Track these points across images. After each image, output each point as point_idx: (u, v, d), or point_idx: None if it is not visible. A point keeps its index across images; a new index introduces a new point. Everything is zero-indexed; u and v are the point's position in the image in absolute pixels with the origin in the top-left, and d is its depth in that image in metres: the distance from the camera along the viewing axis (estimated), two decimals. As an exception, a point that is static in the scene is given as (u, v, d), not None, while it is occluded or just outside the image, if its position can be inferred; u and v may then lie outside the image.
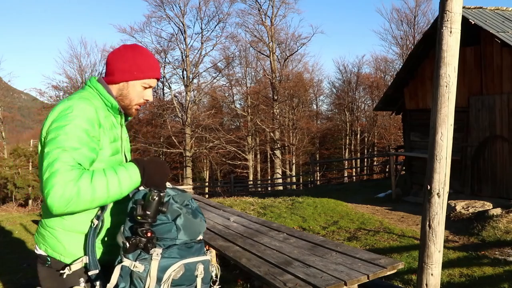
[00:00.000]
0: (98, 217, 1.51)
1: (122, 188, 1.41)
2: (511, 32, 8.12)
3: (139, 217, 1.34)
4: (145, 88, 1.65)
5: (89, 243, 1.50)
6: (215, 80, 28.87)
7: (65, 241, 1.52)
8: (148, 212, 1.34)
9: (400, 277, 4.48)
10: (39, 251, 1.58)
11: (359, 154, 30.50)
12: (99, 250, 1.55)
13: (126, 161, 1.71)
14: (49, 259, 1.54)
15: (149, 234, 1.35)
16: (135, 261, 1.35)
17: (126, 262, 1.36)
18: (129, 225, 1.41)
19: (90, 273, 1.49)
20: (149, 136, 27.86)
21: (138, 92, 1.64)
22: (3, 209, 16.33)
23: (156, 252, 1.35)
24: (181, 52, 26.55)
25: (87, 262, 1.49)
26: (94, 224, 1.51)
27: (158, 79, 1.68)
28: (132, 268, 1.35)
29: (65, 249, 1.52)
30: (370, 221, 7.51)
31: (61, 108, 1.46)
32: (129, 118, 1.77)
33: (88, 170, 1.39)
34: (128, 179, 1.42)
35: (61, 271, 1.50)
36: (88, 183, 1.32)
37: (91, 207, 1.38)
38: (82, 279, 1.52)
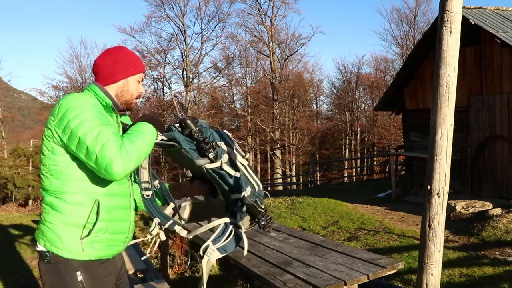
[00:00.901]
0: (147, 189, 1.75)
1: (150, 135, 1.62)
2: (511, 32, 8.12)
3: (197, 134, 1.71)
4: (139, 82, 1.84)
5: (152, 206, 1.73)
6: (215, 80, 28.89)
7: (64, 235, 1.57)
8: (197, 128, 1.73)
9: (400, 277, 4.48)
10: (39, 247, 1.62)
11: (359, 154, 30.49)
12: (93, 245, 1.61)
13: None
14: (48, 254, 1.59)
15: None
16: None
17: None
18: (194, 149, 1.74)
19: (167, 226, 1.73)
20: (149, 136, 27.76)
21: (135, 86, 1.82)
22: (3, 209, 16.33)
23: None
24: (181, 52, 26.55)
25: (159, 221, 1.73)
26: (149, 196, 1.75)
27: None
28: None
29: (63, 243, 1.57)
30: (370, 221, 7.51)
31: (69, 100, 1.57)
32: (127, 117, 1.86)
33: (122, 135, 1.59)
34: (147, 127, 1.64)
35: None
36: (132, 143, 1.52)
37: (141, 160, 1.57)
38: (79, 272, 1.59)
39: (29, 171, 20.17)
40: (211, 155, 1.72)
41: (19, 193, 19.33)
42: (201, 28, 26.90)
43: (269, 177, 26.98)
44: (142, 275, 3.89)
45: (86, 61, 29.70)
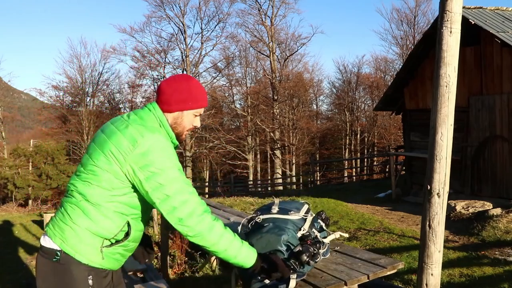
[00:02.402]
0: None
1: (237, 256, 1.65)
2: (511, 32, 8.12)
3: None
4: (195, 116, 1.78)
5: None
6: (215, 80, 28.90)
7: (86, 241, 1.58)
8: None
9: (400, 277, 4.48)
10: (51, 244, 1.59)
11: (359, 154, 30.49)
12: (109, 256, 1.65)
13: None
14: (59, 253, 1.57)
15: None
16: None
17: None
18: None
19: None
20: (149, 136, 27.76)
21: (190, 120, 1.77)
22: (3, 209, 16.33)
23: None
24: (181, 52, 26.56)
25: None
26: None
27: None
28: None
29: (83, 248, 1.58)
30: (370, 221, 7.51)
31: (154, 144, 1.58)
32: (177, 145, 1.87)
33: (223, 224, 1.65)
34: (246, 256, 1.67)
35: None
36: (221, 230, 1.61)
37: (210, 248, 1.61)
38: (90, 277, 1.59)
39: (29, 171, 20.18)
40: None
41: (19, 193, 19.33)
42: (201, 28, 26.96)
43: (269, 177, 26.99)
44: (142, 275, 3.88)
45: (86, 61, 29.89)
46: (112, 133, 1.60)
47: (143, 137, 1.56)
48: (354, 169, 22.99)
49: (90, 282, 1.59)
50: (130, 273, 3.77)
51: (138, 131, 1.58)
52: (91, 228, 1.57)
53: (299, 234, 2.03)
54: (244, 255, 1.65)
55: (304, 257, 1.85)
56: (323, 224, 2.29)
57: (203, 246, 1.59)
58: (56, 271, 1.57)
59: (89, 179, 1.58)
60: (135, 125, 1.60)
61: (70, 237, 1.57)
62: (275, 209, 2.20)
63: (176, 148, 1.82)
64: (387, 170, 15.94)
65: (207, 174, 31.21)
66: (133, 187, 1.60)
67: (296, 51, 29.40)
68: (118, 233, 1.62)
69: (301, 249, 1.88)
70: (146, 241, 1.94)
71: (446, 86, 1.64)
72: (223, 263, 4.58)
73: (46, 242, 1.61)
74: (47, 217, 7.69)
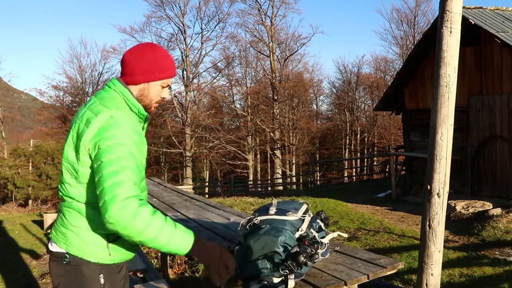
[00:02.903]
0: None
1: (168, 244, 1.44)
2: (511, 32, 8.12)
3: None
4: (163, 87, 1.66)
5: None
6: (215, 80, 28.89)
7: (90, 240, 1.56)
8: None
9: (400, 277, 4.48)
10: (58, 249, 1.59)
11: (359, 154, 30.49)
12: (119, 249, 1.61)
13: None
14: (67, 256, 1.56)
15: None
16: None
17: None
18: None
19: None
20: (149, 136, 27.82)
21: (157, 91, 1.65)
22: (3, 209, 16.34)
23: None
24: (181, 52, 26.54)
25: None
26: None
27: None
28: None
29: (89, 247, 1.56)
30: (370, 221, 7.51)
31: (106, 121, 1.47)
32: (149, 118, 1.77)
33: (153, 208, 1.45)
34: (180, 241, 1.45)
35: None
36: (148, 216, 1.39)
37: (135, 238, 1.40)
38: (102, 275, 1.57)
39: (29, 171, 20.16)
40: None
41: (19, 193, 19.31)
42: (201, 28, 26.93)
43: (269, 177, 26.98)
44: (142, 275, 3.88)
45: (86, 61, 29.93)
46: (72, 123, 1.57)
47: (96, 116, 1.49)
48: (354, 169, 22.98)
49: (102, 281, 1.57)
50: (130, 273, 3.76)
51: (93, 111, 1.51)
52: (90, 227, 1.55)
53: (297, 235, 2.03)
54: (177, 241, 1.44)
55: (301, 258, 1.84)
56: (322, 224, 2.29)
57: (128, 236, 1.38)
58: (68, 273, 1.57)
59: (70, 181, 1.55)
60: (91, 107, 1.54)
61: (74, 240, 1.56)
62: (272, 210, 2.19)
63: (147, 120, 1.71)
64: (387, 170, 15.93)
65: (207, 174, 31.20)
66: None
67: (296, 51, 29.41)
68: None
69: (298, 250, 1.88)
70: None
71: (446, 86, 1.64)
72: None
73: (53, 247, 1.61)
74: (47, 217, 7.69)
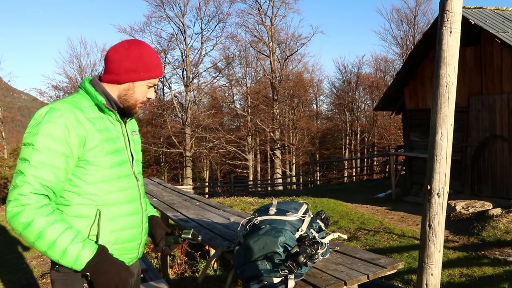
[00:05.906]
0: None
1: (62, 256, 1.34)
2: (511, 32, 8.12)
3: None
4: (149, 87, 1.59)
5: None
6: (215, 80, 28.90)
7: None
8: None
9: (400, 277, 4.48)
10: None
11: (359, 154, 30.50)
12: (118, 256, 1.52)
13: (133, 160, 1.64)
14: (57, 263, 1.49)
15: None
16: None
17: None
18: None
19: None
20: (149, 136, 27.85)
21: (143, 91, 1.58)
22: (3, 209, 16.31)
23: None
24: (181, 52, 26.55)
25: None
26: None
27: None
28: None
29: None
30: (370, 221, 7.50)
31: (38, 116, 1.40)
32: (133, 116, 1.69)
33: (54, 210, 1.36)
34: (74, 256, 1.35)
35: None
36: (41, 226, 1.30)
37: (28, 241, 1.34)
38: (85, 285, 1.48)
39: (29, 171, 20.15)
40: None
41: (19, 193, 19.30)
42: (201, 28, 26.95)
43: (269, 177, 26.98)
44: (142, 275, 3.89)
45: (86, 61, 29.93)
46: None
47: (37, 112, 1.42)
48: (354, 169, 22.98)
49: (86, 285, 1.48)
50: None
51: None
52: (70, 212, 1.45)
53: (297, 235, 2.03)
54: (70, 258, 1.34)
55: (301, 258, 1.84)
56: (322, 224, 2.29)
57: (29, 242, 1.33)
58: (59, 280, 1.49)
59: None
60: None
61: None
62: (272, 210, 2.19)
63: (134, 116, 1.65)
64: (387, 170, 15.93)
65: (207, 174, 31.21)
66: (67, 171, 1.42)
67: (296, 51, 29.42)
68: (93, 227, 1.45)
69: (298, 250, 1.88)
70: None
71: (446, 86, 1.64)
72: (223, 263, 4.58)
73: None
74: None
